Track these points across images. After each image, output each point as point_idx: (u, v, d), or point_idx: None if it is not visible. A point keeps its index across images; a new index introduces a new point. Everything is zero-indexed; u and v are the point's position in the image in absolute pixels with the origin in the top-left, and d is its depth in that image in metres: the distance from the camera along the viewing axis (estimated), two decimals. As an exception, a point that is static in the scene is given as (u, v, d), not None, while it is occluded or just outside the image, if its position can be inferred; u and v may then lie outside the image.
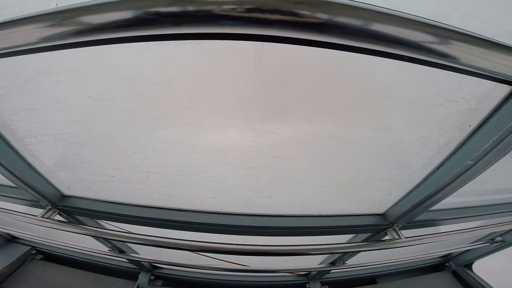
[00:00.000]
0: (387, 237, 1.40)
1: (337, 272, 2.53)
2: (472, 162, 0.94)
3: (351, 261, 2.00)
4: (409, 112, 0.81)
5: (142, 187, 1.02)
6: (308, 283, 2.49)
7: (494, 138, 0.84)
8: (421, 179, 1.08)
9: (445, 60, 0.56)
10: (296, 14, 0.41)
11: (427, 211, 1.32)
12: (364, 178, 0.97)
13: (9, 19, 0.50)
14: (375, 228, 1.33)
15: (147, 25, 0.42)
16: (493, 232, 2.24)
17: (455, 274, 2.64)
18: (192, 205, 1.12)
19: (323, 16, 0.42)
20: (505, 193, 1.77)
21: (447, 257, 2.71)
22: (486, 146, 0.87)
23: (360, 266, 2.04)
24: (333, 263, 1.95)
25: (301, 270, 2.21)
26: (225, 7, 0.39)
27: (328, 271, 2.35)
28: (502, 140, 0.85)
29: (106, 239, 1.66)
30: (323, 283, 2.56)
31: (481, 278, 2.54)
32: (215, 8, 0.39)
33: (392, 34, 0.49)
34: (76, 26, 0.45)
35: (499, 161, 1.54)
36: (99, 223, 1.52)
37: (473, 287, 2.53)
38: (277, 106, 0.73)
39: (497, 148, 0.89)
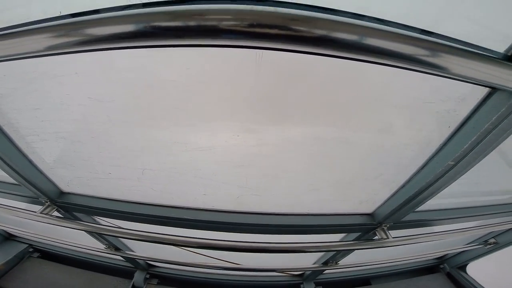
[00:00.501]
0: (376, 237, 1.46)
1: (331, 273, 2.58)
2: (453, 163, 1.00)
3: (344, 262, 2.05)
4: (389, 113, 0.87)
5: (138, 184, 1.08)
6: (302, 283, 2.54)
7: (473, 139, 0.88)
8: (406, 180, 1.14)
9: (429, 69, 0.62)
10: (292, 29, 0.45)
11: (414, 211, 1.38)
12: (349, 177, 1.03)
13: (20, 29, 0.56)
14: (364, 228, 1.39)
15: (150, 38, 0.46)
16: (487, 234, 2.29)
17: (449, 276, 2.69)
18: (186, 202, 1.18)
19: (318, 32, 0.47)
20: (498, 194, 1.83)
21: (442, 259, 2.76)
22: (465, 147, 0.92)
23: (353, 267, 2.10)
24: (325, 263, 2.00)
25: (294, 269, 2.26)
26: (225, 23, 0.43)
27: (321, 272, 2.40)
28: (481, 141, 0.90)
29: (102, 236, 1.72)
30: (317, 284, 2.61)
31: (475, 280, 2.58)
32: (216, 24, 0.43)
33: (378, 46, 0.54)
34: (82, 37, 0.50)
35: (492, 162, 1.61)
36: (95, 220, 1.58)
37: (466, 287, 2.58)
38: (265, 107, 0.80)
39: (476, 149, 0.94)
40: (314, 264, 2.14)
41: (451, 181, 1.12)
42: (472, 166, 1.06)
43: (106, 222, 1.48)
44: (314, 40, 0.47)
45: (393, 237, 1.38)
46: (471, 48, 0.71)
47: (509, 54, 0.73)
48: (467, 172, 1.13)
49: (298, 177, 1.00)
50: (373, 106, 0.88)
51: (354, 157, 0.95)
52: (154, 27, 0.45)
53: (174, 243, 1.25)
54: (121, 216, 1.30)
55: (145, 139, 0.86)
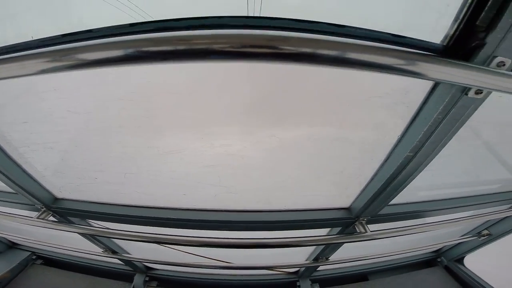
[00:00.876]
0: (356, 231, 1.52)
1: (326, 269, 2.65)
2: (411, 154, 1.05)
3: (336, 257, 2.12)
4: (342, 109, 0.95)
5: (123, 187, 1.19)
6: (298, 281, 2.62)
7: (425, 130, 0.94)
8: (373, 173, 1.21)
9: (382, 70, 0.70)
10: (277, 48, 0.52)
11: (389, 205, 1.44)
12: (315, 172, 1.12)
13: (16, 55, 0.64)
14: (343, 222, 1.46)
15: (140, 61, 0.52)
16: (480, 225, 2.33)
17: (447, 269, 2.72)
18: (169, 203, 1.29)
19: (302, 50, 0.53)
20: (486, 184, 1.86)
21: (438, 252, 2.79)
22: (420, 137, 0.97)
23: (345, 262, 2.16)
24: (316, 259, 2.08)
25: (286, 266, 2.32)
26: (216, 46, 0.49)
27: (315, 268, 2.47)
28: (434, 131, 0.95)
29: (96, 238, 1.84)
30: (313, 281, 2.67)
31: (473, 273, 2.61)
32: (203, 48, 0.49)
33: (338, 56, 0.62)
34: (75, 61, 0.55)
35: (476, 153, 1.65)
36: (89, 224, 1.70)
37: (466, 282, 2.60)
38: (224, 109, 0.89)
39: (431, 139, 1.00)
40: (306, 260, 2.21)
41: (415, 172, 1.17)
42: (433, 157, 1.12)
43: (98, 225, 1.60)
44: (298, 56, 0.54)
45: (371, 231, 1.44)
46: (412, 41, 0.80)
47: (444, 44, 0.80)
48: (449, 163, 1.18)
49: (267, 175, 1.09)
50: (330, 104, 0.96)
51: (316, 153, 1.04)
52: (143, 52, 0.50)
53: (161, 241, 1.36)
54: (111, 219, 1.41)
55: (122, 145, 0.96)
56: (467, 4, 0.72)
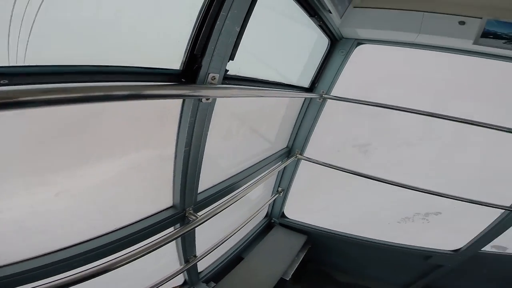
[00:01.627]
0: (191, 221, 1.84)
1: (208, 266, 2.85)
2: (187, 148, 1.45)
3: (201, 252, 2.34)
4: (131, 133, 1.26)
5: None
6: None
7: (187, 128, 1.32)
8: (172, 171, 1.56)
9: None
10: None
11: (203, 191, 1.89)
12: (127, 186, 1.34)
13: None
14: (176, 218, 1.73)
15: None
16: (277, 186, 3.36)
17: (282, 225, 3.74)
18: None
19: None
20: (259, 154, 2.62)
21: (268, 216, 3.72)
22: (186, 135, 1.37)
23: (212, 251, 2.39)
24: (187, 261, 2.21)
25: (165, 281, 2.32)
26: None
27: (196, 269, 2.60)
28: (193, 128, 1.37)
29: None
30: (206, 281, 2.75)
31: (299, 221, 3.71)
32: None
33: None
34: None
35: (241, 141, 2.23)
36: None
37: (297, 228, 3.67)
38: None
39: (194, 135, 1.42)
40: (180, 266, 2.31)
41: (198, 160, 1.59)
42: (204, 145, 1.57)
43: None
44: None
45: (200, 215, 1.77)
46: (161, 71, 1.11)
47: (181, 69, 1.18)
48: (224, 148, 1.67)
49: (73, 204, 1.17)
50: (122, 131, 1.24)
51: (123, 171, 1.29)
52: None
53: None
54: None
55: None
56: (190, 41, 1.13)
